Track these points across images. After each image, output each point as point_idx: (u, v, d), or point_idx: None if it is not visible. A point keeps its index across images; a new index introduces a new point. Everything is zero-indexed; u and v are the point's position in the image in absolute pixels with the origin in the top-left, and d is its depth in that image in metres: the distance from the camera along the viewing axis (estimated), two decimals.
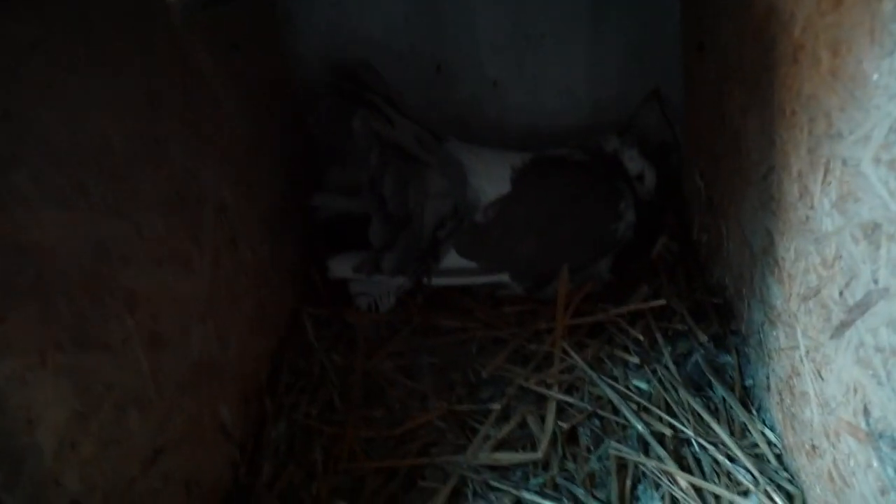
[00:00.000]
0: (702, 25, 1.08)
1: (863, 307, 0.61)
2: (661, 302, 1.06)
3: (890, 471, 0.59)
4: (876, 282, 0.59)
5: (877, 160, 0.57)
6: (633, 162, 1.21)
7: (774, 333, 0.85)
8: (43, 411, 0.55)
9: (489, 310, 1.15)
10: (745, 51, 0.87)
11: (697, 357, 0.97)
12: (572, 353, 1.01)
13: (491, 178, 1.13)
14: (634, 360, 0.99)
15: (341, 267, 1.14)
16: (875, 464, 0.61)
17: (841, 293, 0.65)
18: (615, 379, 0.97)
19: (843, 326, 0.65)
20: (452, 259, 1.13)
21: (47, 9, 0.60)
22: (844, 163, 0.62)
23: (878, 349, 0.59)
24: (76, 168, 0.63)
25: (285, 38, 1.31)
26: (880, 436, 0.60)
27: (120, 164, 0.69)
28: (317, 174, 1.26)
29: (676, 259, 1.19)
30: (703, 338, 1.00)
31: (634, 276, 1.15)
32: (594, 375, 0.97)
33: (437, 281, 1.15)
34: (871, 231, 0.59)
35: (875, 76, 0.56)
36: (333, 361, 1.06)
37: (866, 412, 0.62)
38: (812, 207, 0.70)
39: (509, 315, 1.13)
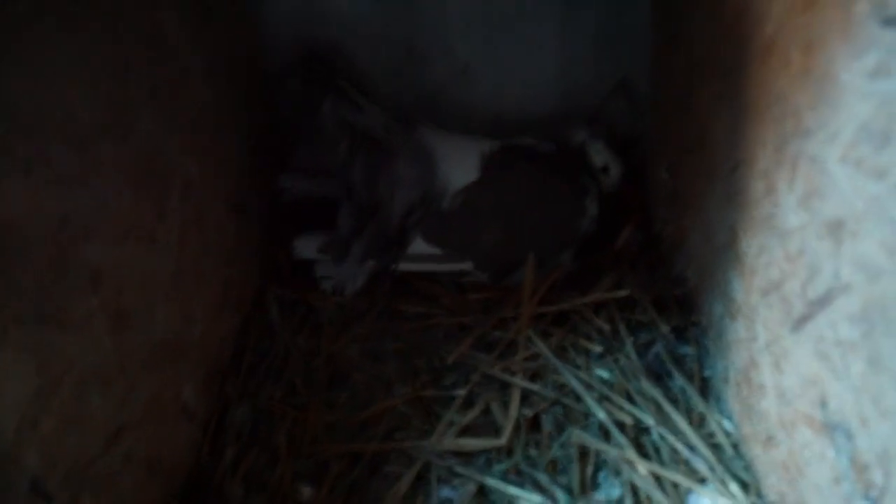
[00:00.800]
0: (673, 17, 1.09)
1: (824, 302, 0.63)
2: (625, 292, 1.07)
3: (844, 460, 0.61)
4: (838, 277, 0.60)
5: (843, 159, 0.58)
6: (600, 154, 1.22)
7: (734, 326, 0.87)
8: (3, 388, 0.53)
9: (455, 296, 1.15)
10: (716, 46, 0.88)
11: (659, 347, 0.99)
12: (537, 341, 1.02)
13: (460, 166, 1.13)
14: (598, 349, 1.00)
15: (307, 247, 1.13)
16: (830, 454, 0.63)
17: (803, 288, 0.67)
18: (578, 367, 0.98)
19: (804, 320, 0.67)
20: (418, 245, 1.13)
21: None
22: (812, 160, 0.64)
23: (838, 343, 0.61)
24: (41, 136, 0.61)
25: (255, 13, 1.28)
26: (836, 427, 0.62)
27: (85, 134, 0.67)
28: (284, 153, 1.25)
29: (640, 250, 1.21)
30: (665, 328, 1.02)
31: (599, 267, 1.17)
32: (558, 363, 0.98)
33: (403, 266, 1.14)
34: (836, 228, 0.60)
35: (845, 76, 0.57)
36: (298, 344, 1.05)
37: (823, 404, 0.64)
38: (777, 204, 0.72)
39: (475, 302, 1.14)
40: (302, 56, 1.11)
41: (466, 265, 1.15)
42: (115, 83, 0.73)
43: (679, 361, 0.98)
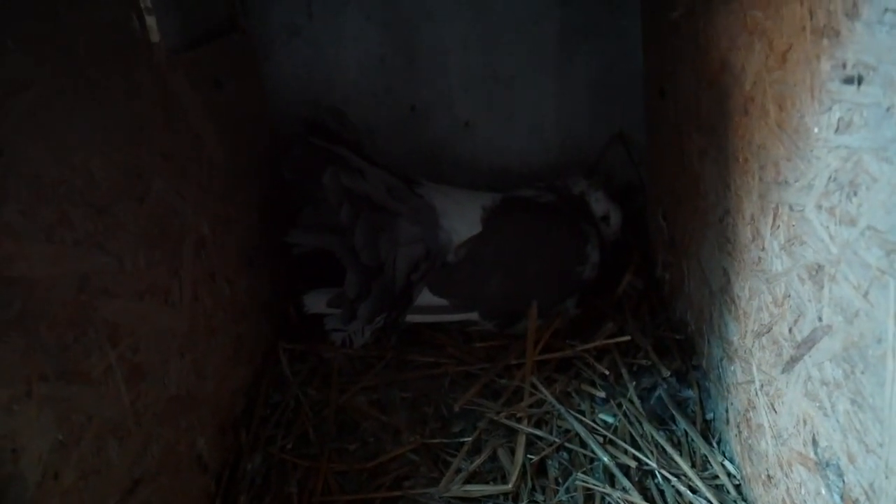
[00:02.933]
0: (663, 72, 1.14)
1: (809, 343, 0.66)
2: (626, 338, 1.10)
3: (836, 497, 0.62)
4: (820, 319, 0.63)
5: (819, 207, 0.61)
6: (599, 203, 1.26)
7: (732, 368, 0.89)
8: (27, 441, 0.56)
9: (461, 345, 1.18)
10: (702, 99, 0.92)
11: (661, 391, 1.01)
12: (541, 388, 1.04)
13: (463, 220, 1.16)
14: (601, 394, 1.02)
15: (316, 302, 1.16)
16: (823, 491, 0.65)
17: (790, 330, 0.69)
18: (582, 413, 1.00)
19: (793, 361, 0.69)
20: (425, 296, 1.16)
21: (35, 48, 0.63)
22: (791, 208, 0.67)
23: (824, 382, 0.63)
24: (62, 202, 0.65)
25: (263, 76, 1.34)
26: (827, 464, 0.64)
27: (104, 199, 0.72)
28: (293, 210, 1.29)
29: (641, 296, 1.23)
30: (667, 373, 1.04)
31: (600, 313, 1.19)
32: (562, 409, 1.00)
33: (410, 318, 1.17)
34: (815, 272, 0.63)
35: (815, 129, 0.61)
36: (308, 395, 1.08)
37: (815, 442, 0.66)
38: (763, 249, 0.75)
39: (480, 350, 1.16)
40: (302, 126, 1.16)
41: (473, 315, 1.18)
42: (131, 149, 0.78)
43: (681, 405, 1.00)
